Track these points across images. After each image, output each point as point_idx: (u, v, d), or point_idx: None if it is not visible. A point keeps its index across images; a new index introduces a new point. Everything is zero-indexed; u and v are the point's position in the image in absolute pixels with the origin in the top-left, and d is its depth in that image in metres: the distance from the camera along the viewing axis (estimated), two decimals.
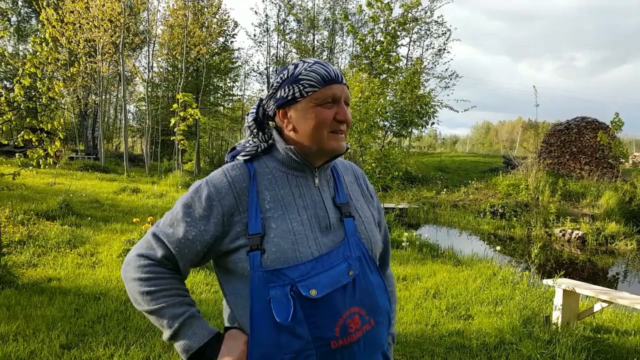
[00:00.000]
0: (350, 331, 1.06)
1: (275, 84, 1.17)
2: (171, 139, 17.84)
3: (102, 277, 4.73)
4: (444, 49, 25.24)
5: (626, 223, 11.13)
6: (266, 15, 30.95)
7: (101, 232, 6.78)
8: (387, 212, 11.65)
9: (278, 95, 1.16)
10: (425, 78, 23.60)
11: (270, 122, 1.23)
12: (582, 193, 13.51)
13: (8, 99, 4.69)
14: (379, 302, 1.14)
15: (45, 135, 5.03)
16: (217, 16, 24.36)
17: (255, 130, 1.20)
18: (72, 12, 17.72)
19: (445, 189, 16.84)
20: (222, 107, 30.61)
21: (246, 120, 1.23)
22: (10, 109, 4.78)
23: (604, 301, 3.98)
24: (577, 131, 15.92)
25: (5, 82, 26.68)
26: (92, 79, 23.73)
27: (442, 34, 25.24)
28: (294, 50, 28.94)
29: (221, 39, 26.57)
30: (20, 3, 29.69)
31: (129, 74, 26.83)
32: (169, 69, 26.69)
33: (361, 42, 18.03)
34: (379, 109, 11.02)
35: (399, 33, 19.01)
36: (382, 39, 17.73)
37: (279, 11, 28.91)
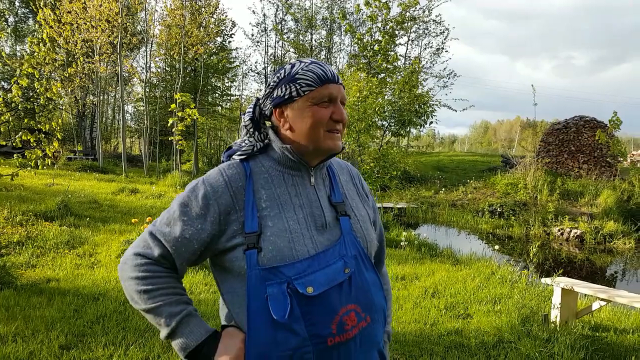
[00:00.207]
0: (347, 328, 1.07)
1: (272, 83, 1.18)
2: (169, 139, 17.86)
3: (101, 278, 4.73)
4: (442, 48, 25.31)
5: (624, 222, 11.17)
6: (264, 15, 30.86)
7: (100, 233, 6.78)
8: (386, 212, 11.66)
9: (275, 94, 1.17)
10: (424, 77, 23.63)
11: (267, 122, 1.24)
12: (580, 192, 13.53)
13: (6, 100, 4.69)
14: (375, 299, 1.16)
15: (43, 136, 5.04)
16: (214, 16, 24.38)
17: (251, 130, 1.21)
18: (69, 12, 17.70)
19: (443, 189, 16.87)
20: (220, 107, 30.58)
21: (243, 120, 1.24)
22: (8, 109, 4.77)
23: (603, 300, 3.98)
24: (575, 130, 15.94)
25: (2, 82, 26.65)
26: (90, 79, 23.73)
27: (440, 33, 25.30)
28: (291, 49, 28.93)
29: (219, 39, 26.60)
30: (17, 3, 29.65)
31: (127, 75, 26.85)
32: (167, 69, 26.67)
33: (359, 42, 18.01)
34: (377, 109, 11.00)
35: (397, 32, 19.00)
36: (380, 38, 17.71)
37: (277, 11, 28.97)
